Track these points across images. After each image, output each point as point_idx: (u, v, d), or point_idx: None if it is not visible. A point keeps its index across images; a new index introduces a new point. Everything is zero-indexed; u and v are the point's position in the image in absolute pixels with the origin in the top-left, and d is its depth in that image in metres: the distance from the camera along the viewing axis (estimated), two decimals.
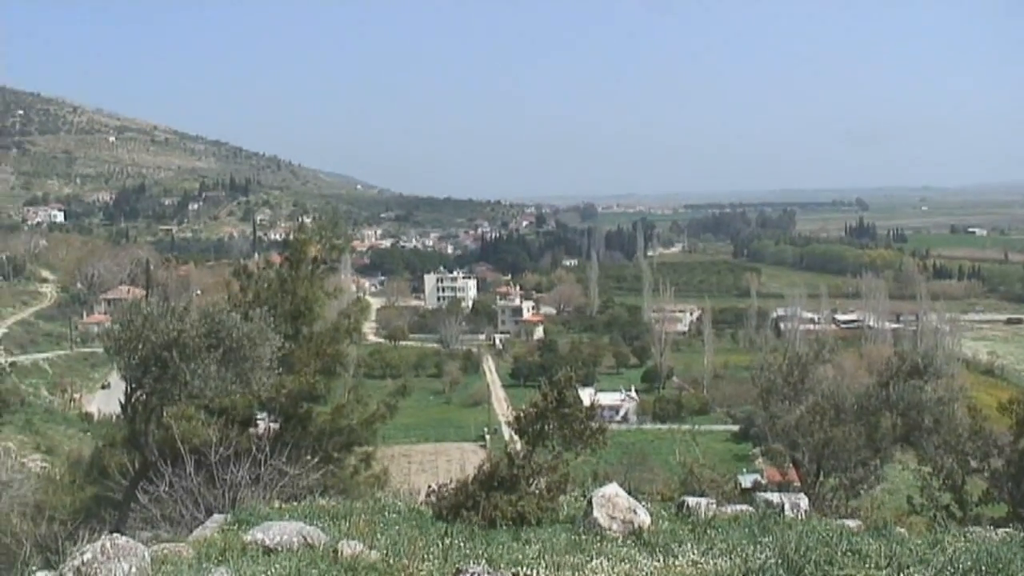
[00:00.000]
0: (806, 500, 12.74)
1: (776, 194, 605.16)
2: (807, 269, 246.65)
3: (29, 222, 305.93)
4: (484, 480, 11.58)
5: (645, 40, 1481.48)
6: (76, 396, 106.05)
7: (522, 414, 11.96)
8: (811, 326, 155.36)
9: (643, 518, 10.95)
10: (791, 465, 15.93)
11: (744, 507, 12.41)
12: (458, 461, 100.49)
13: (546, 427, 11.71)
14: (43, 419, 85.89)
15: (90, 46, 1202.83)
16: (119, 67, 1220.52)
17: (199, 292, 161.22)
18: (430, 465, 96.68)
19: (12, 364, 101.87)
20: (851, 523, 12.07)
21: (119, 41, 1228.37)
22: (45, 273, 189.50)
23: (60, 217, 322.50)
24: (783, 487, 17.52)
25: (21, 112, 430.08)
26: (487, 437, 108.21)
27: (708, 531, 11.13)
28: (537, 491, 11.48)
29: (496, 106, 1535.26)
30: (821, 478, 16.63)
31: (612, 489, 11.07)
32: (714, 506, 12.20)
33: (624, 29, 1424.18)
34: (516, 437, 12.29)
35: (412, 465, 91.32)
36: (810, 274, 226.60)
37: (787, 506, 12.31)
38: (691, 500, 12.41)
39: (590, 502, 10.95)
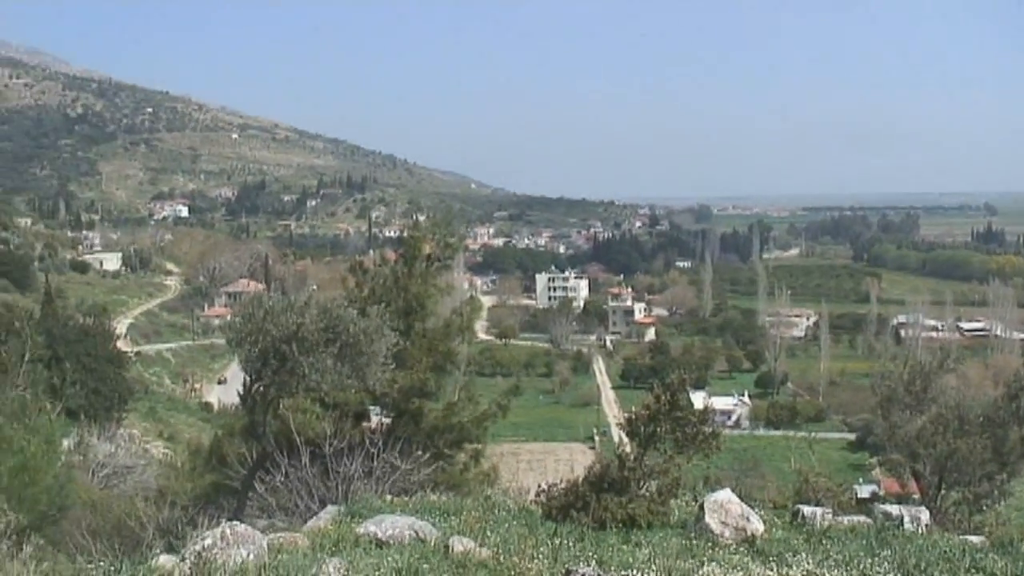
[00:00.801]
0: (927, 514, 12.38)
1: (899, 197, 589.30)
2: (931, 275, 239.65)
3: (155, 216, 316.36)
4: (595, 481, 11.53)
5: (766, 38, 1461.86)
6: (197, 386, 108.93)
7: (634, 416, 11.86)
8: (934, 334, 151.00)
9: (756, 525, 10.77)
10: (911, 477, 15.48)
11: (861, 518, 12.11)
12: (567, 461, 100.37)
13: (658, 430, 11.60)
14: (166, 407, 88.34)
15: (216, 46, 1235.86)
16: (243, 67, 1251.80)
17: (315, 287, 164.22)
18: (539, 464, 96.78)
19: (137, 354, 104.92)
20: (974, 539, 11.69)
21: (243, 41, 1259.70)
22: (170, 266, 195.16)
23: (185, 212, 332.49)
24: (902, 499, 17.06)
25: (150, 110, 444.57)
26: (596, 438, 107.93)
27: (823, 541, 10.89)
28: (648, 494, 11.38)
29: (612, 107, 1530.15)
30: (943, 491, 16.12)
31: (725, 495, 10.92)
32: (830, 516, 11.92)
33: (746, 26, 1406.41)
34: (627, 439, 12.19)
35: (521, 464, 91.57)
36: (934, 280, 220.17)
37: (907, 519, 11.97)
38: (806, 509, 12.16)
39: (702, 507, 10.81)
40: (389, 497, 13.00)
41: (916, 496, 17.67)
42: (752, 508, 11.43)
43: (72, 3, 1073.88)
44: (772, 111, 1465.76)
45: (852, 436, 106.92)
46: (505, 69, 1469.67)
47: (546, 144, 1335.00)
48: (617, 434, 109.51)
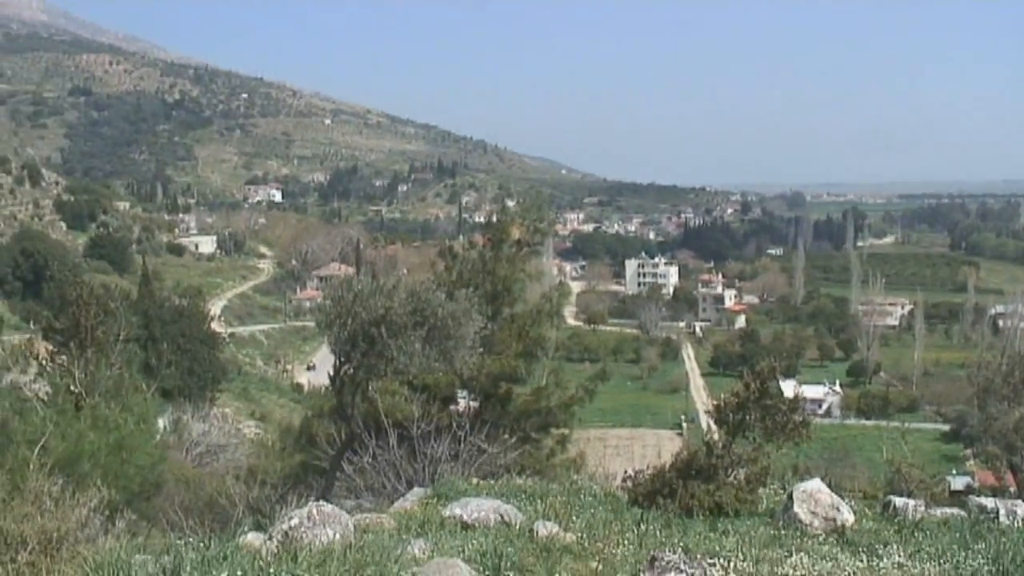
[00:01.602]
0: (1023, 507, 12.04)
1: (999, 184, 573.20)
2: None
3: (250, 200, 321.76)
4: (682, 468, 11.43)
5: (853, 24, 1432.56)
6: (288, 367, 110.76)
7: (723, 403, 11.74)
8: None
9: (846, 516, 10.58)
10: (1007, 470, 15.07)
11: (955, 511, 11.83)
12: (654, 447, 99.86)
13: (747, 417, 11.46)
14: (258, 388, 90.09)
15: (310, 33, 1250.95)
16: (336, 53, 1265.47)
17: (405, 271, 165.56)
18: (625, 450, 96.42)
19: (231, 335, 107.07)
20: None
21: (336, 27, 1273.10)
22: (263, 249, 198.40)
23: (278, 196, 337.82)
24: (997, 492, 16.63)
25: (245, 96, 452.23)
26: (684, 425, 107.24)
27: (915, 534, 10.65)
28: (736, 482, 11.25)
29: (703, 93, 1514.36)
30: None
31: (814, 484, 10.75)
32: (922, 508, 11.66)
33: (840, 16, 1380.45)
34: (715, 426, 12.07)
35: (608, 449, 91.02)
36: None
37: (1003, 512, 11.65)
38: (898, 500, 11.91)
39: (791, 496, 10.66)
40: (475, 480, 13.06)
41: (1012, 489, 17.23)
42: (842, 498, 11.24)
43: None
44: (865, 98, 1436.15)
45: (946, 427, 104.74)
46: (596, 54, 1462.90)
47: (637, 130, 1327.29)
48: (705, 421, 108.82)
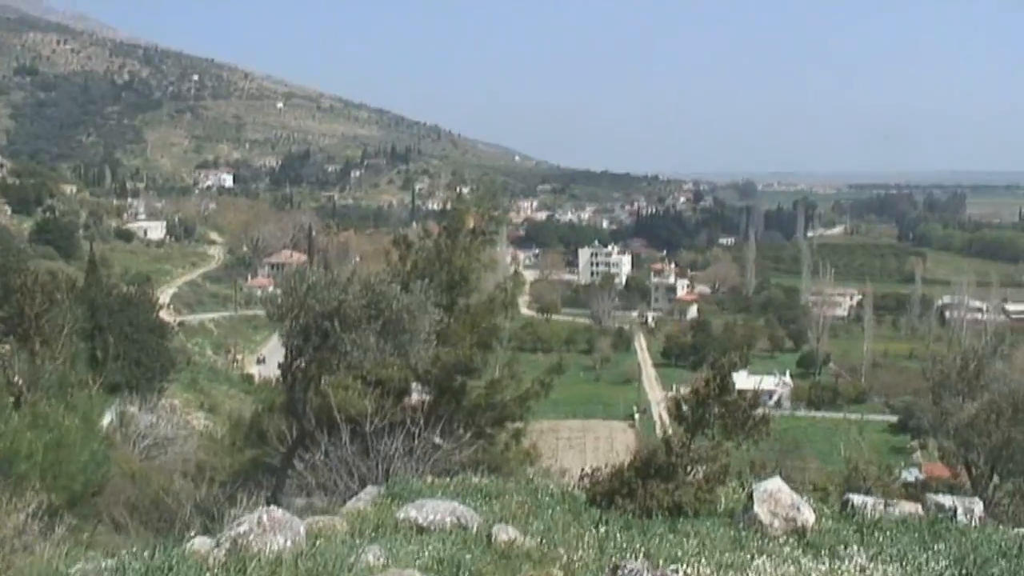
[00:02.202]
0: (980, 505, 12.01)
1: (946, 175, 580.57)
2: (977, 256, 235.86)
3: (200, 185, 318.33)
4: (640, 467, 11.25)
5: (803, 11, 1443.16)
6: (239, 357, 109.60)
7: (682, 400, 11.57)
8: (979, 315, 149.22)
9: (807, 516, 10.46)
10: (963, 466, 15.08)
11: (913, 509, 11.76)
12: (606, 439, 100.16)
13: (706, 414, 11.30)
14: (207, 378, 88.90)
15: (262, 14, 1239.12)
16: (289, 35, 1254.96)
17: (358, 259, 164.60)
18: (578, 442, 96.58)
19: (180, 324, 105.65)
20: None
21: (289, 8, 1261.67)
22: (213, 235, 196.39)
23: (229, 181, 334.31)
24: (953, 488, 16.65)
25: (196, 77, 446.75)
26: (636, 416, 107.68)
27: (875, 533, 10.56)
28: (695, 481, 11.09)
29: (657, 80, 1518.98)
30: (996, 481, 15.71)
31: (775, 484, 10.61)
32: (881, 506, 11.58)
33: (790, 10, 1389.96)
34: (673, 423, 11.90)
35: (560, 441, 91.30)
36: (979, 261, 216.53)
37: (960, 511, 11.61)
38: (856, 498, 11.83)
39: (751, 496, 10.51)
40: (430, 478, 12.82)
41: (964, 484, 17.26)
42: (802, 497, 11.13)
43: None
44: (816, 88, 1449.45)
45: (894, 418, 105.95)
46: (551, 41, 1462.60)
47: (591, 118, 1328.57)
48: (657, 412, 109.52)
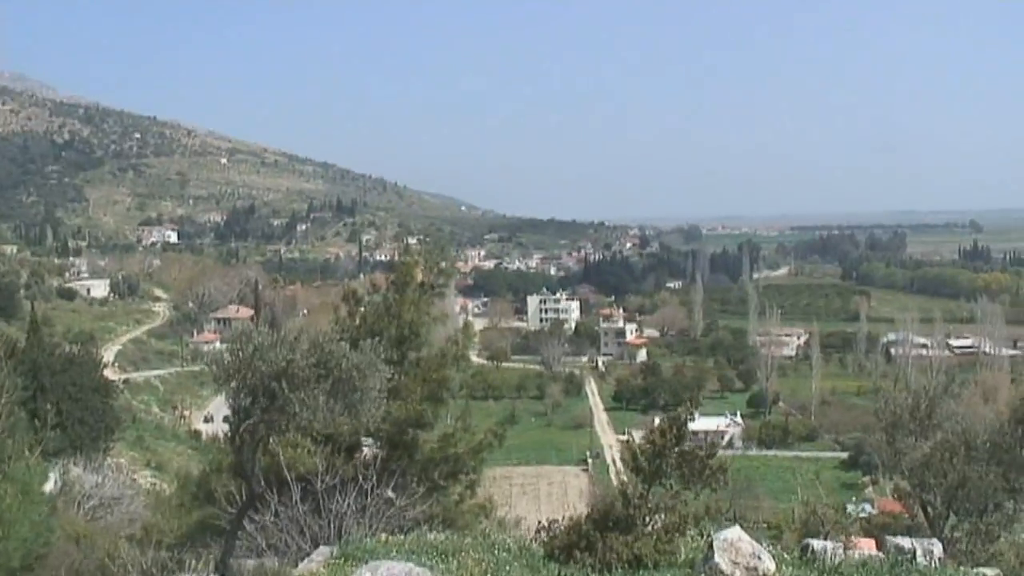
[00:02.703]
0: (939, 546, 11.97)
1: (886, 215, 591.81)
2: (919, 293, 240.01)
3: (144, 242, 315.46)
4: (598, 519, 11.08)
5: (748, 57, 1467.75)
6: (186, 413, 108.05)
7: (638, 450, 11.45)
8: (923, 351, 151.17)
9: (767, 564, 10.35)
10: (919, 507, 15.05)
11: (873, 553, 11.70)
12: (560, 484, 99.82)
13: (663, 464, 11.18)
14: (153, 435, 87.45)
15: (204, 71, 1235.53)
16: (231, 91, 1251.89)
17: (306, 312, 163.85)
18: (531, 488, 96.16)
19: (125, 381, 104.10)
20: (989, 572, 11.30)
21: (231, 65, 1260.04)
22: (158, 292, 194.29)
23: (173, 237, 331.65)
24: (907, 527, 16.63)
25: (138, 135, 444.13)
26: (589, 460, 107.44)
27: None
28: (654, 532, 10.93)
29: (599, 127, 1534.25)
30: (953, 521, 15.70)
31: (735, 533, 10.49)
32: (841, 550, 11.50)
33: (727, 44, 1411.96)
34: (630, 474, 11.74)
35: (514, 488, 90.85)
36: (922, 298, 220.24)
37: (919, 552, 11.57)
38: (816, 543, 11.74)
39: (711, 546, 10.38)
40: (384, 536, 12.55)
41: (915, 520, 17.25)
42: (762, 544, 11.02)
43: (57, 29, 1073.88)
44: (758, 132, 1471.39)
45: (844, 455, 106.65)
46: (493, 91, 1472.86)
47: (535, 166, 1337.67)
48: (610, 456, 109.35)
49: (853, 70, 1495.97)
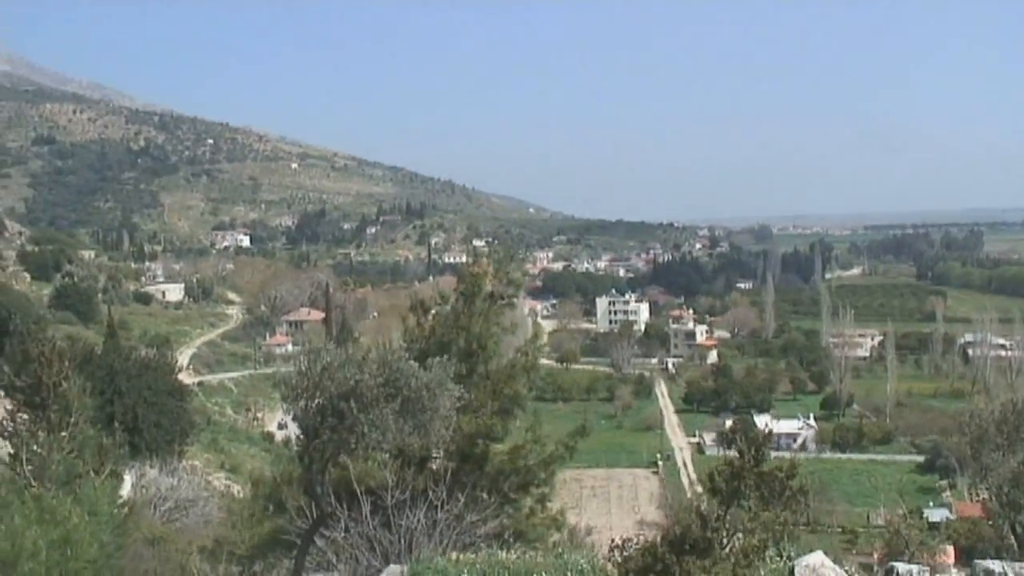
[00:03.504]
0: None
1: (962, 214, 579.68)
2: (997, 292, 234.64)
3: (217, 246, 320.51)
4: (674, 542, 10.75)
5: (815, 52, 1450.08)
6: (259, 415, 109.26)
7: (715, 471, 11.10)
8: (1002, 352, 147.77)
9: None
10: (1009, 529, 14.45)
11: (951, 562, 11.25)
12: (630, 487, 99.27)
13: (741, 486, 10.81)
14: (227, 437, 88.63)
15: (275, 77, 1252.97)
16: (302, 97, 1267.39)
17: (375, 314, 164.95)
18: (601, 491, 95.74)
19: (200, 384, 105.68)
20: None
21: (302, 72, 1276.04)
22: (231, 295, 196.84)
23: (246, 241, 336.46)
24: (996, 548, 16.01)
25: (211, 141, 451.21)
26: (660, 463, 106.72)
27: None
28: (732, 555, 10.58)
29: (669, 128, 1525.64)
30: None
31: (817, 558, 10.14)
32: (927, 574, 11.06)
33: (797, 37, 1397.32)
34: (708, 495, 11.38)
35: (584, 490, 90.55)
36: (1000, 298, 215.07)
37: (1010, 575, 11.10)
38: (901, 567, 11.33)
39: (792, 572, 10.03)
40: (455, 555, 12.35)
41: (1004, 541, 16.59)
42: (844, 569, 10.64)
43: (134, 38, 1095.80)
44: (829, 130, 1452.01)
45: (920, 458, 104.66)
46: (562, 93, 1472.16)
47: (604, 167, 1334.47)
48: (681, 458, 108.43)
49: (926, 65, 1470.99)
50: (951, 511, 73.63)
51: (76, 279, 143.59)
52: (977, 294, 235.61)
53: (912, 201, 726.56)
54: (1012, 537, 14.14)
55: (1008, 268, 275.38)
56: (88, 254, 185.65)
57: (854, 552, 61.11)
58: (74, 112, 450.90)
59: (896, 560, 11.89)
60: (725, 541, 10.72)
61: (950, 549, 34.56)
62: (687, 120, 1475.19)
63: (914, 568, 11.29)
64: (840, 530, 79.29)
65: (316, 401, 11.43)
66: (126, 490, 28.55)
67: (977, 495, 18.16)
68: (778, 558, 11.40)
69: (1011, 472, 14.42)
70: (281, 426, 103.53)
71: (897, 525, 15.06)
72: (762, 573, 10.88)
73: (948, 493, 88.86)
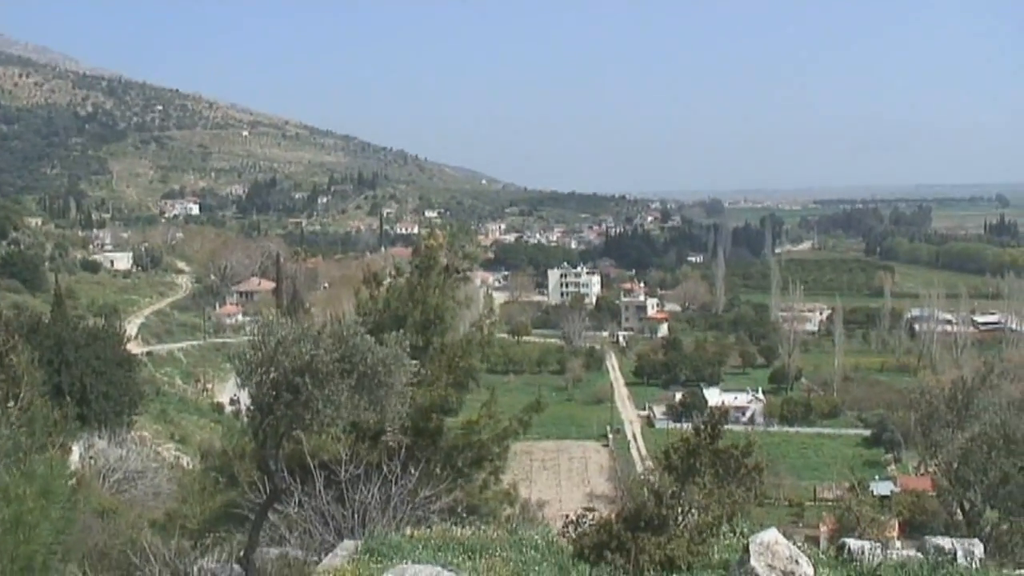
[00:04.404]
0: (981, 547, 11.60)
1: (910, 189, 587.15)
2: (944, 268, 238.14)
3: (166, 215, 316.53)
4: (629, 518, 10.77)
5: (767, 28, 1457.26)
6: (208, 386, 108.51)
7: (672, 449, 11.11)
8: (948, 327, 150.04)
9: (805, 569, 10.00)
10: (958, 506, 14.64)
11: (912, 553, 11.36)
12: (580, 459, 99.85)
13: (697, 463, 10.84)
14: (177, 408, 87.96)
15: (226, 44, 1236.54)
16: (253, 64, 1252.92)
17: (327, 285, 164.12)
18: (551, 463, 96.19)
19: (148, 354, 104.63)
20: None
21: (253, 38, 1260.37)
22: (181, 264, 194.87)
23: (195, 210, 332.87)
24: (945, 525, 16.25)
25: (160, 108, 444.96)
26: (610, 436, 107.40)
27: None
28: (687, 532, 10.62)
29: (620, 100, 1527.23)
30: (994, 519, 15.26)
31: (771, 535, 10.15)
32: (879, 550, 11.16)
33: (747, 16, 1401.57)
34: (662, 472, 11.39)
35: (534, 463, 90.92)
36: (947, 273, 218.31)
37: (960, 553, 11.21)
38: (853, 543, 11.41)
39: (746, 549, 10.06)
40: (410, 531, 12.29)
41: (952, 518, 16.82)
42: (796, 544, 10.71)
43: (81, 1, 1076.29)
44: (781, 105, 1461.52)
45: (867, 432, 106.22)
46: (515, 64, 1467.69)
47: (557, 139, 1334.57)
48: (631, 431, 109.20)
49: (876, 40, 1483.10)
50: (895, 484, 74.80)
51: (22, 247, 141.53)
52: (925, 270, 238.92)
53: (861, 176, 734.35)
54: (961, 513, 14.34)
55: (955, 244, 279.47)
56: (35, 221, 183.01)
57: (800, 525, 62.12)
58: (19, 76, 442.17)
59: (847, 536, 11.99)
60: (680, 518, 10.76)
61: (894, 523, 35.15)
62: (640, 93, 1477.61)
63: (866, 544, 11.36)
64: (787, 504, 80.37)
65: (271, 376, 11.28)
66: (74, 461, 28.24)
67: (924, 470, 18.35)
68: (732, 535, 11.45)
69: (960, 449, 14.61)
70: (233, 401, 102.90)
71: (848, 501, 15.22)
72: (716, 549, 10.93)
73: (893, 467, 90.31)
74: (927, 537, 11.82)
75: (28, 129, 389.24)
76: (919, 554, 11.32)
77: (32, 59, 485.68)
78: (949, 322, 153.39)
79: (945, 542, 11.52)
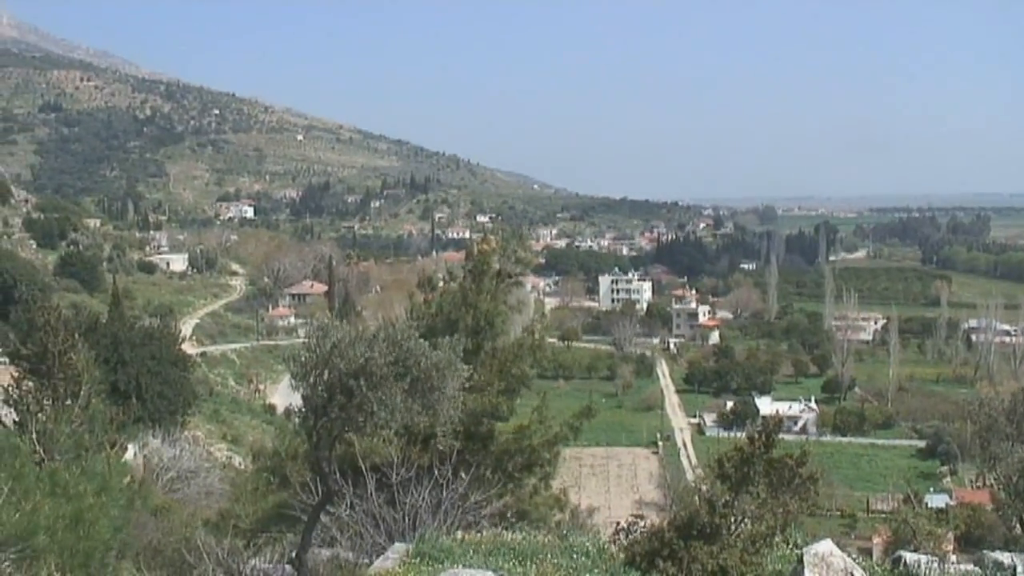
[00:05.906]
0: None
1: (969, 198, 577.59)
2: (1002, 278, 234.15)
3: (221, 217, 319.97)
4: (682, 527, 10.70)
5: (824, 34, 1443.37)
6: (261, 387, 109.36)
7: (725, 457, 11.02)
8: (1007, 339, 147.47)
9: None
10: (1016, 520, 14.36)
11: (970, 567, 11.18)
12: (629, 466, 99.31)
13: (751, 472, 10.74)
14: (229, 409, 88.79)
15: (282, 48, 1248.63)
16: (308, 69, 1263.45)
17: (378, 289, 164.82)
18: (601, 469, 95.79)
19: (203, 354, 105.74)
20: None
21: (309, 43, 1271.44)
22: (235, 267, 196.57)
23: (250, 213, 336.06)
24: (1004, 540, 15.95)
25: (217, 112, 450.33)
26: (660, 443, 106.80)
27: None
28: (739, 542, 10.52)
29: (674, 106, 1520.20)
30: None
31: (826, 546, 10.05)
32: (936, 565, 10.99)
33: (803, 19, 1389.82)
34: (716, 481, 11.30)
35: (583, 469, 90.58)
36: (1006, 283, 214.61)
37: (1020, 568, 11.02)
38: (908, 556, 11.26)
39: (800, 560, 9.96)
40: (460, 534, 12.32)
41: (1012, 532, 16.48)
42: (851, 557, 10.57)
43: (141, 6, 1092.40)
44: (837, 112, 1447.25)
45: (922, 443, 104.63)
46: (569, 70, 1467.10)
47: (609, 145, 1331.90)
48: (681, 439, 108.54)
49: (938, 48, 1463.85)
50: (951, 497, 73.67)
51: (81, 247, 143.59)
52: (982, 279, 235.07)
53: (918, 185, 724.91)
54: (1020, 528, 14.08)
55: (1015, 254, 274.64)
56: (93, 222, 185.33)
57: (852, 536, 61.40)
58: (81, 80, 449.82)
59: (902, 549, 11.82)
60: (733, 527, 10.67)
61: (951, 536, 34.58)
62: (697, 99, 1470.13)
63: (923, 558, 11.20)
64: (839, 514, 79.36)
65: (325, 378, 11.36)
66: (129, 460, 28.61)
67: (982, 483, 18.03)
68: (785, 545, 11.34)
69: (1020, 462, 14.33)
70: (289, 412, 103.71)
71: (904, 513, 14.97)
72: (769, 560, 10.83)
73: (948, 479, 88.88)
74: (985, 552, 11.63)
75: (88, 132, 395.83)
76: (977, 568, 11.16)
77: (93, 63, 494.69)
78: (1008, 333, 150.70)
79: (1005, 557, 11.33)
